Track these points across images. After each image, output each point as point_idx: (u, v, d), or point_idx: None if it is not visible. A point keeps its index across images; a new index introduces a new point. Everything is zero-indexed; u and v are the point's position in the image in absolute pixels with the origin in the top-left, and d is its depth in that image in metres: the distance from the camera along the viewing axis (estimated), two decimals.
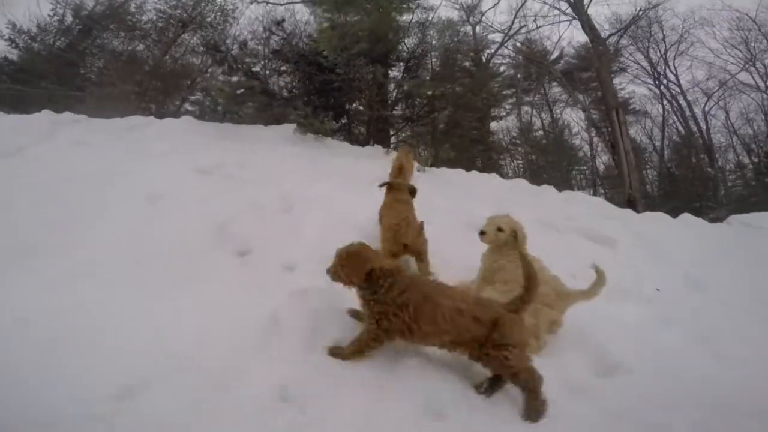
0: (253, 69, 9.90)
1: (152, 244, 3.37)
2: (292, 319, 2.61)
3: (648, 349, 3.34)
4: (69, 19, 13.60)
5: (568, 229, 6.32)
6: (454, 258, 4.00)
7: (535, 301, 2.60)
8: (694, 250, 6.16)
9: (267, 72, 10.63)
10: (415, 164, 6.57)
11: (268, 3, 13.61)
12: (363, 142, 10.73)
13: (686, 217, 8.43)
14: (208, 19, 12.91)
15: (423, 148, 11.20)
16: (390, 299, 2.32)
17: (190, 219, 3.80)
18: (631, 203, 13.37)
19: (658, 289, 4.68)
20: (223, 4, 13.22)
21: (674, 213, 8.86)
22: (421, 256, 3.62)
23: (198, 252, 3.36)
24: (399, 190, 4.12)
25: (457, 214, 5.44)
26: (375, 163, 7.32)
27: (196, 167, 5.12)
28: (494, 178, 9.54)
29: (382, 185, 4.22)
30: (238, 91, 8.30)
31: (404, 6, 12.35)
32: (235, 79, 8.81)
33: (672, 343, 3.58)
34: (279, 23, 9.65)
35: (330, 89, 9.13)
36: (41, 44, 13.27)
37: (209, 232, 3.65)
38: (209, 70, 10.79)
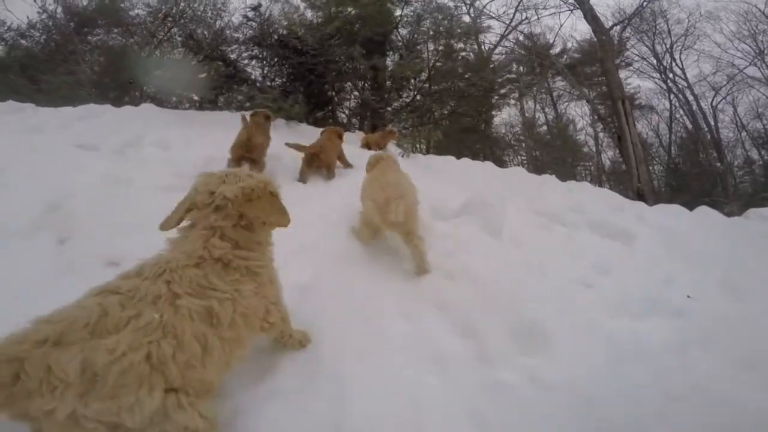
0: (230, 56, 8.93)
1: None
2: None
3: (683, 387, 2.27)
4: (60, 15, 12.70)
5: (575, 223, 5.04)
6: None
7: None
8: (724, 248, 4.82)
9: (241, 57, 9.56)
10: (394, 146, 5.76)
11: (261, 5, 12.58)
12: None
13: (704, 210, 7.08)
14: (199, 12, 11.85)
15: (409, 133, 10.02)
16: None
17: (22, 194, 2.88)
18: (640, 196, 12.05)
19: (689, 296, 3.40)
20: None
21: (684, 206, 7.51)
22: None
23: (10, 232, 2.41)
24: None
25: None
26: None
27: (79, 143, 4.07)
28: (489, 166, 8.34)
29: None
30: (200, 75, 7.25)
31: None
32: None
33: (712, 371, 2.47)
34: (255, 8, 8.59)
35: (307, 73, 8.04)
36: (30, 41, 12.54)
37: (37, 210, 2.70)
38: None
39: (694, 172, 17.96)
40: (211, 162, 4.49)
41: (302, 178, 4.85)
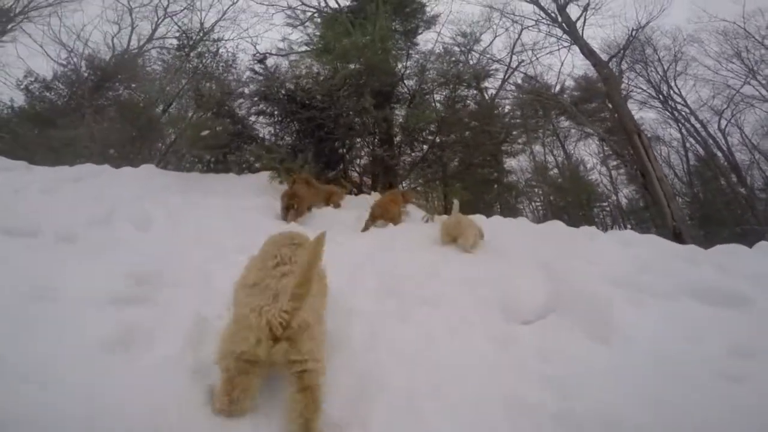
0: (238, 113, 8.29)
1: None
2: None
3: None
4: (83, 69, 12.43)
5: (665, 291, 3.88)
6: None
7: None
8: None
9: (248, 114, 8.91)
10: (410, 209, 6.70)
11: (271, 55, 12.29)
12: (366, 191, 8.76)
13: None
14: (210, 69, 11.48)
15: (432, 194, 9.15)
16: None
17: None
18: (677, 236, 10.90)
19: None
20: (226, 56, 11.91)
21: (710, 240, 6.44)
22: None
23: None
24: None
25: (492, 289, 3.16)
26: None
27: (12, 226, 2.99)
28: (523, 222, 7.25)
29: None
30: (204, 132, 6.50)
31: (402, 52, 11.10)
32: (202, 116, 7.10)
33: None
34: (261, 61, 8.03)
35: (316, 130, 7.32)
36: (55, 94, 12.08)
37: None
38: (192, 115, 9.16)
39: (720, 201, 16.87)
40: (189, 253, 3.41)
41: (365, 228, 5.69)
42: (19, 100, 12.60)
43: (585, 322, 2.80)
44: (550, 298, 3.00)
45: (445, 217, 5.44)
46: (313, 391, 1.74)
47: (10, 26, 15.67)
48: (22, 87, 11.99)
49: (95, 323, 2.02)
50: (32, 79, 12.04)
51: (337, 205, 6.72)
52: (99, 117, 9.60)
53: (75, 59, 12.54)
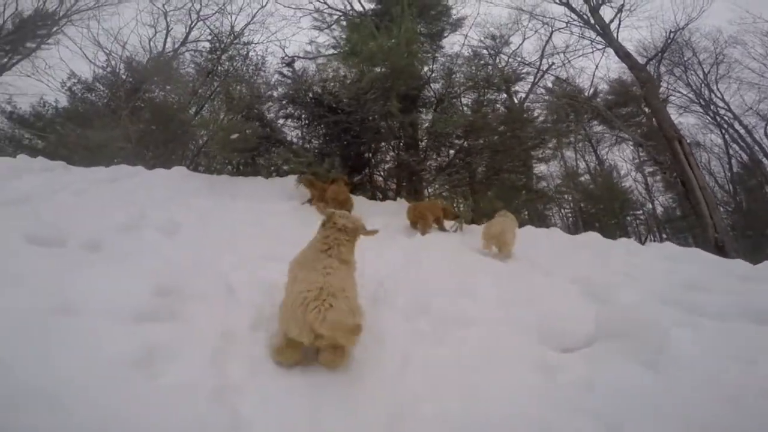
0: (266, 116, 8.32)
1: None
2: None
3: None
4: (121, 71, 12.86)
5: (718, 312, 3.62)
6: None
7: None
8: None
9: (276, 117, 8.93)
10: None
11: (299, 59, 12.35)
12: (390, 197, 8.62)
13: None
14: (240, 72, 11.60)
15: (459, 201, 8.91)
16: None
17: None
18: (719, 248, 10.26)
19: None
20: (256, 59, 12.03)
21: (756, 253, 6.02)
22: None
23: None
24: None
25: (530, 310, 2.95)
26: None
27: (37, 234, 2.95)
28: (555, 232, 6.96)
29: None
30: (234, 135, 6.53)
31: (428, 55, 10.91)
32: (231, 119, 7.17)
33: None
34: (289, 64, 8.03)
35: (342, 134, 7.24)
36: (95, 95, 12.59)
37: None
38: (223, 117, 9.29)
39: (765, 210, 15.81)
40: (216, 261, 3.34)
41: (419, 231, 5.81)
42: (63, 101, 13.13)
43: (633, 348, 2.55)
44: (593, 324, 2.76)
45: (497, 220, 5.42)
46: (343, 353, 2.25)
47: (54, 29, 16.39)
48: (65, 88, 12.46)
49: (117, 340, 1.93)
50: (75, 81, 12.50)
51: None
52: (134, 118, 9.83)
53: (114, 61, 12.97)
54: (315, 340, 2.13)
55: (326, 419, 1.89)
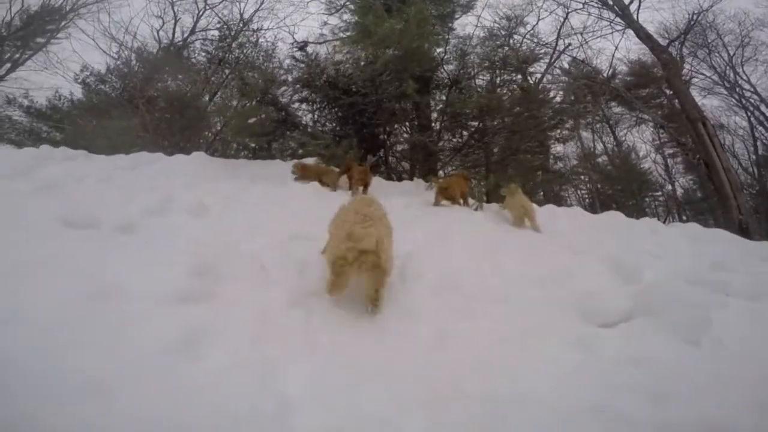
0: (281, 100, 8.32)
1: None
2: None
3: None
4: (133, 61, 12.80)
5: (751, 291, 3.57)
6: None
7: None
8: None
9: (291, 101, 8.91)
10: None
11: (308, 44, 12.27)
12: (405, 179, 8.61)
13: None
14: (251, 58, 11.57)
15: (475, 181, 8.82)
16: None
17: None
18: (743, 231, 10.05)
19: None
20: (266, 46, 11.98)
21: None
22: None
23: None
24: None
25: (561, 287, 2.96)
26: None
27: (70, 217, 3.00)
28: (578, 212, 6.87)
29: None
30: (250, 120, 6.57)
31: (439, 37, 10.69)
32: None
33: None
34: (302, 48, 7.97)
35: (357, 116, 7.21)
36: (109, 86, 12.54)
37: None
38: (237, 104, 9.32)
39: None
40: (245, 241, 3.38)
41: (435, 203, 6.15)
42: (78, 93, 13.24)
43: (670, 323, 2.54)
44: (628, 300, 2.74)
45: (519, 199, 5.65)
46: (381, 283, 2.63)
47: (63, 24, 16.46)
48: (79, 81, 12.50)
49: (160, 323, 1.97)
50: (88, 73, 12.54)
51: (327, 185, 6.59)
52: (151, 107, 9.91)
53: (125, 53, 12.96)
54: (359, 256, 2.47)
55: (368, 397, 1.90)
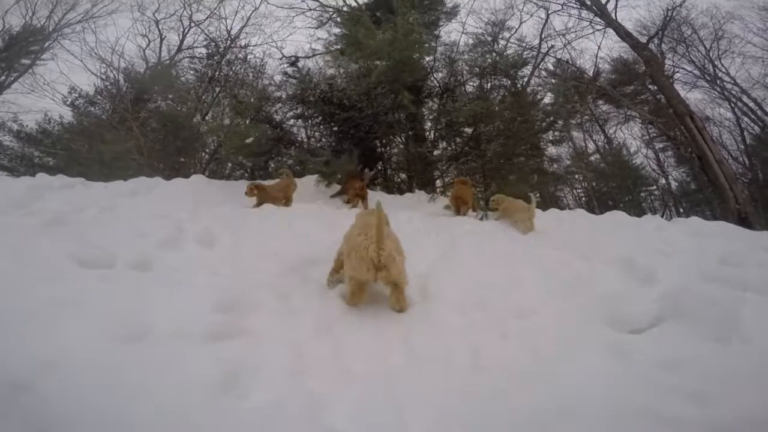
0: (275, 117, 8.33)
1: None
2: None
3: None
4: (121, 82, 12.79)
5: (763, 284, 3.57)
6: None
7: None
8: None
9: (285, 118, 8.92)
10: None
11: (299, 59, 12.30)
12: (404, 190, 8.64)
13: None
14: (241, 75, 11.52)
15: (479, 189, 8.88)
16: None
17: None
18: (743, 220, 10.23)
19: None
20: (255, 62, 11.97)
21: None
22: None
23: None
24: None
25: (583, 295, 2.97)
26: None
27: (83, 256, 2.92)
28: (582, 214, 6.94)
29: None
30: (247, 140, 6.56)
31: (427, 46, 10.85)
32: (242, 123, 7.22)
33: None
34: (293, 63, 8.03)
35: (354, 130, 7.24)
36: (99, 108, 12.59)
37: None
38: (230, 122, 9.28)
39: None
40: (259, 270, 3.36)
41: (455, 213, 6.52)
42: (67, 116, 13.09)
43: (697, 324, 2.56)
44: (653, 304, 2.77)
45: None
46: (401, 291, 2.95)
47: (47, 44, 16.36)
48: (68, 103, 12.44)
49: (197, 363, 1.94)
50: (77, 95, 12.48)
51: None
52: (144, 129, 9.84)
53: (113, 73, 12.92)
54: (378, 272, 2.77)
55: (414, 422, 1.88)
